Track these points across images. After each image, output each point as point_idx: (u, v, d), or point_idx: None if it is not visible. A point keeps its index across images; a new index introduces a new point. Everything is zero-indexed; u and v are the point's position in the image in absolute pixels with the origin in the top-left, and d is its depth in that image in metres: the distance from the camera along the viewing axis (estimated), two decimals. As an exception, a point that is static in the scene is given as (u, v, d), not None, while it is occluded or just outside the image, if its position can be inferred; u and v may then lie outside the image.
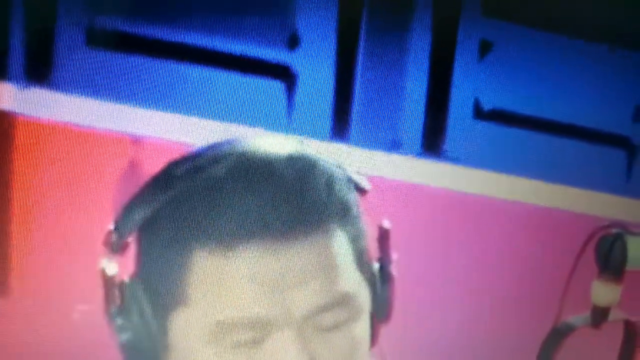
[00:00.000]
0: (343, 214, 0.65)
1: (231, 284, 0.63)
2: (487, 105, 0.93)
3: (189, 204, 0.63)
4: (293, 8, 0.86)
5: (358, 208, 0.67)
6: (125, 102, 0.86)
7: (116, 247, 0.65)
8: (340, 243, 0.65)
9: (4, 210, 0.83)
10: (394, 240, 0.82)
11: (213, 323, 0.64)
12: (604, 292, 0.90)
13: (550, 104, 0.96)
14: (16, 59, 0.87)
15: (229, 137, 0.65)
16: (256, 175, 0.63)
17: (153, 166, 0.85)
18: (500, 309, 0.96)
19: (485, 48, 0.92)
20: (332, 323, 0.65)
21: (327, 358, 0.64)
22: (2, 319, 0.83)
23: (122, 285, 0.65)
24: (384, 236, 0.69)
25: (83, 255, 0.84)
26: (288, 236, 0.63)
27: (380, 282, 0.69)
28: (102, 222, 0.84)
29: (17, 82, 0.87)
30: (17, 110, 0.87)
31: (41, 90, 0.87)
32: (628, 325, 0.92)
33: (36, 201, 0.84)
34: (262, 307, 0.63)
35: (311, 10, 0.86)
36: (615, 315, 0.91)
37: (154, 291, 0.65)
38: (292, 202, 0.62)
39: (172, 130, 0.87)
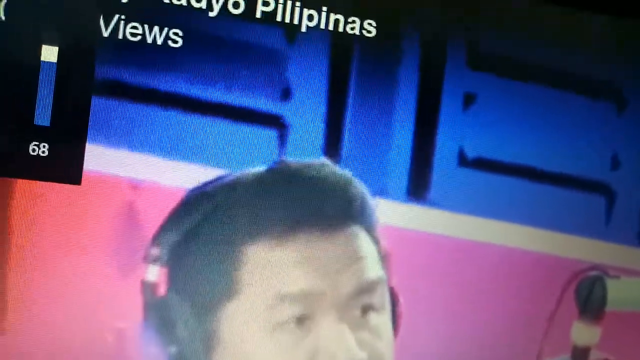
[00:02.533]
0: (371, 219, 0.71)
1: (283, 269, 0.67)
2: (471, 154, 0.93)
3: (235, 207, 0.67)
4: (286, 64, 0.88)
5: (377, 222, 0.73)
6: (124, 148, 0.87)
7: (159, 259, 0.68)
8: (368, 240, 0.71)
9: (1, 251, 0.83)
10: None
11: (265, 303, 0.67)
12: (584, 333, 0.92)
13: (531, 152, 0.96)
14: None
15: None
16: (296, 176, 0.68)
17: (150, 210, 0.87)
18: (484, 348, 0.97)
19: (469, 99, 0.92)
20: (367, 306, 0.69)
21: (365, 338, 0.68)
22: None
23: (162, 298, 0.67)
24: (386, 259, 0.75)
25: (81, 297, 0.85)
26: (332, 227, 0.68)
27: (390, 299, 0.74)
28: (101, 264, 0.86)
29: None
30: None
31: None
32: (607, 365, 0.94)
33: (34, 242, 0.84)
34: (314, 284, 0.67)
35: (303, 65, 0.89)
36: (595, 355, 0.93)
37: (196, 295, 0.68)
38: (335, 198, 0.68)
39: (170, 175, 0.88)
